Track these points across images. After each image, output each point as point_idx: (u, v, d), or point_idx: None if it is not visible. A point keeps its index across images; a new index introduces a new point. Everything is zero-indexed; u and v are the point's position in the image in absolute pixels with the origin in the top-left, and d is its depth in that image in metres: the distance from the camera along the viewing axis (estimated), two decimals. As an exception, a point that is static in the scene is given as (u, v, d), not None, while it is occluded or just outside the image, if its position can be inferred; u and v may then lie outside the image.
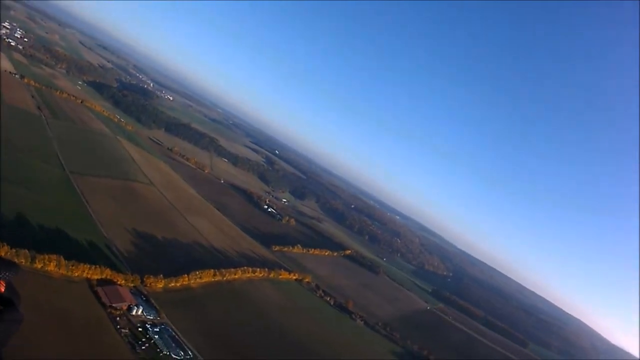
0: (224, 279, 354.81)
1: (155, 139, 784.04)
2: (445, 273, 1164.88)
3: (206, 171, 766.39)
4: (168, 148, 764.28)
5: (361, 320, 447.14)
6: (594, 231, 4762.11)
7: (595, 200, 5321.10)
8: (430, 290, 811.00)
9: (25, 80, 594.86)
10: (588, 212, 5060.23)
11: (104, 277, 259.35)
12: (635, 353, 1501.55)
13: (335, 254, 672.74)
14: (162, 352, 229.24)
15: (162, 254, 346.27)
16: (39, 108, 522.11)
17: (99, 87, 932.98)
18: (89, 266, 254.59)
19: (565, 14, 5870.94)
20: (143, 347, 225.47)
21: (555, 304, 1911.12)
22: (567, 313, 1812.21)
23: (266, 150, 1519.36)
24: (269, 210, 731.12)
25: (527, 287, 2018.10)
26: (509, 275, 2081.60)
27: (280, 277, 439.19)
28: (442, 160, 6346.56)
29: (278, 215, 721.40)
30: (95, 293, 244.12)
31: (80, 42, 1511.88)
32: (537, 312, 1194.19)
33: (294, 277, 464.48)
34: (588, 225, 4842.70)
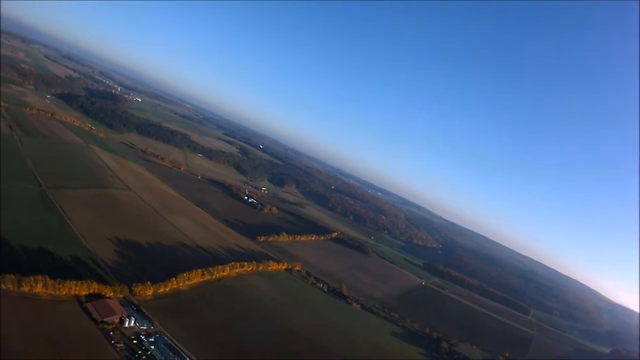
0: (213, 277, 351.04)
1: (128, 143, 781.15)
2: (435, 246, 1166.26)
3: (182, 168, 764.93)
4: (141, 150, 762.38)
5: (357, 304, 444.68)
6: (587, 190, 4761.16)
7: (587, 157, 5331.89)
8: (422, 264, 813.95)
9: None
10: (579, 169, 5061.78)
11: (91, 291, 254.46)
12: (637, 309, 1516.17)
13: (322, 238, 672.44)
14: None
15: (147, 260, 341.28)
16: (10, 127, 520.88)
17: (68, 98, 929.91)
18: (75, 282, 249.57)
19: (565, 13, 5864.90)
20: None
21: (552, 267, 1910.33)
22: (566, 276, 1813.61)
23: (240, 140, 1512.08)
24: (250, 200, 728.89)
25: (521, 252, 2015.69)
26: (500, 243, 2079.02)
27: (270, 268, 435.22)
28: (419, 131, 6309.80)
29: (259, 205, 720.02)
30: (85, 309, 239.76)
31: (46, 56, 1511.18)
32: (534, 278, 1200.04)
33: (284, 267, 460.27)
34: (580, 184, 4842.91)
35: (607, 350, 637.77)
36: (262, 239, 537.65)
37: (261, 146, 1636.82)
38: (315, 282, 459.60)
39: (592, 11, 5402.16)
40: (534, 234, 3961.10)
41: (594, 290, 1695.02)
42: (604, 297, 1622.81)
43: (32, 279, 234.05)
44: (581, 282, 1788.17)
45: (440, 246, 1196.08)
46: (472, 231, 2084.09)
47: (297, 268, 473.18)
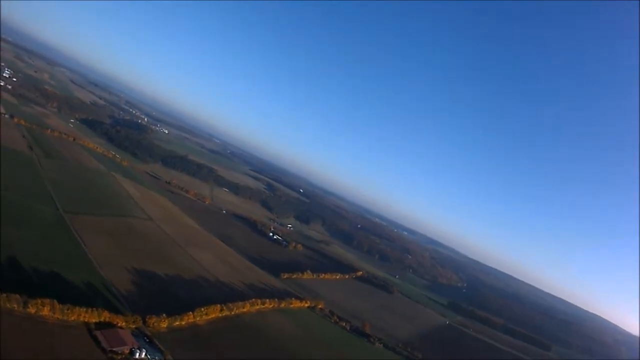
0: (232, 313, 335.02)
1: (152, 173, 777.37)
2: (459, 284, 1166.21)
3: (207, 202, 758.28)
4: (166, 181, 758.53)
5: (380, 343, 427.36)
6: (603, 225, 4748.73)
7: (599, 189, 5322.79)
8: (446, 303, 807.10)
9: (16, 120, 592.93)
10: (593, 204, 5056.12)
11: (102, 319, 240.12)
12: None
13: (346, 276, 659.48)
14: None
15: (164, 292, 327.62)
16: (30, 147, 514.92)
17: (92, 124, 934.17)
18: (85, 309, 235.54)
19: (565, 13, 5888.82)
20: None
21: (572, 302, 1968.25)
22: (585, 310, 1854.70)
23: (267, 176, 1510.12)
24: (275, 237, 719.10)
25: (542, 289, 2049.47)
26: (523, 280, 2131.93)
27: (292, 305, 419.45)
28: (441, 170, 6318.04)
29: (284, 242, 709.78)
30: (94, 337, 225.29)
31: (71, 80, 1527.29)
32: (555, 313, 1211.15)
33: (306, 305, 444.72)
34: (596, 219, 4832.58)
35: None
36: (286, 276, 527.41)
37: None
38: (338, 320, 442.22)
39: (592, 11, 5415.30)
40: (554, 270, 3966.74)
41: (613, 324, 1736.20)
42: (622, 329, 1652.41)
43: (39, 301, 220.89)
44: (600, 315, 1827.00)
45: (465, 284, 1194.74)
46: (495, 269, 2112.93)
47: (320, 306, 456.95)
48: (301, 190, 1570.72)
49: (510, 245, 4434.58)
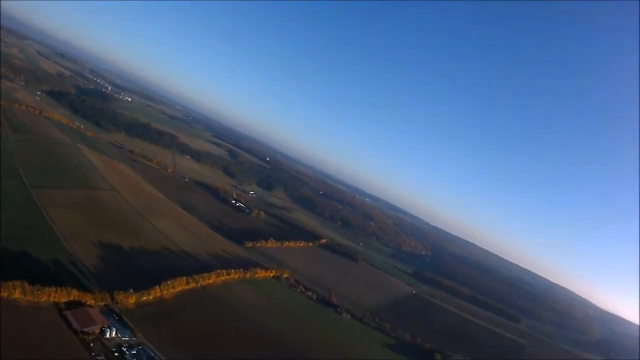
0: (198, 285, 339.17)
1: (116, 143, 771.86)
2: (424, 252, 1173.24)
3: (169, 170, 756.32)
4: (129, 150, 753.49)
5: (347, 314, 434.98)
6: (573, 194, 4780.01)
7: (574, 163, 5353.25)
8: (411, 272, 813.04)
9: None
10: (566, 174, 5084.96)
11: (72, 299, 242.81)
12: (626, 316, 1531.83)
13: (310, 244, 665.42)
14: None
15: (130, 265, 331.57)
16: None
17: (58, 96, 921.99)
18: (54, 289, 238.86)
19: (565, 13, 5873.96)
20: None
21: (540, 274, 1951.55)
22: (554, 283, 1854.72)
23: (228, 143, 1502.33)
24: (237, 204, 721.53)
25: (509, 260, 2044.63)
26: (489, 249, 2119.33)
27: (257, 275, 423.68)
28: (405, 134, 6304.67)
29: (247, 210, 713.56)
30: (65, 318, 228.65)
31: (38, 52, 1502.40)
32: (524, 285, 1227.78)
33: (272, 274, 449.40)
34: (568, 188, 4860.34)
35: (598, 359, 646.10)
36: (250, 244, 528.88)
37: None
38: (304, 290, 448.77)
39: (592, 11, 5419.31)
40: (521, 241, 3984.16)
41: (583, 298, 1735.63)
42: (592, 304, 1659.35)
43: (11, 284, 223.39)
44: (570, 289, 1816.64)
45: (429, 253, 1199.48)
46: (459, 237, 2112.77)
47: (285, 275, 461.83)
48: (268, 159, 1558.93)
49: (478, 216, 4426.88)
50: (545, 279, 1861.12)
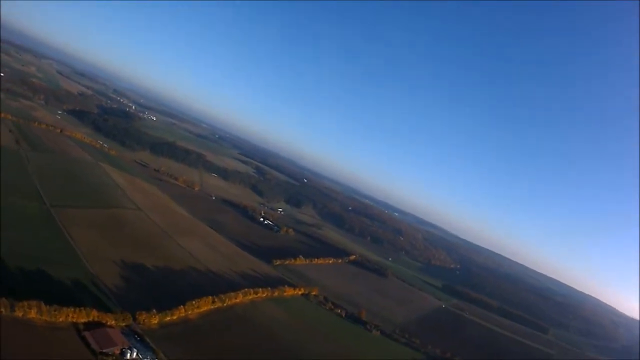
0: (224, 304, 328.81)
1: (140, 161, 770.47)
2: (453, 266, 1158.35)
3: (196, 189, 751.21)
4: (154, 169, 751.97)
5: (377, 330, 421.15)
6: (598, 204, 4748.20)
7: (598, 175, 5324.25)
8: (441, 286, 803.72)
9: (2, 115, 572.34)
10: (591, 187, 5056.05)
11: (91, 319, 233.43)
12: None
13: (339, 260, 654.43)
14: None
15: (154, 285, 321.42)
16: (17, 142, 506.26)
17: (79, 115, 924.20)
18: (72, 309, 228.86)
19: (565, 13, 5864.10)
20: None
21: (567, 283, 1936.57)
22: (580, 291, 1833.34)
23: (256, 160, 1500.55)
24: (266, 222, 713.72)
25: (537, 270, 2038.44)
26: (516, 260, 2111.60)
27: (285, 293, 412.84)
28: (432, 150, 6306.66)
29: (275, 227, 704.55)
30: (84, 339, 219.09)
31: (58, 72, 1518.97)
32: (551, 295, 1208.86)
33: (300, 292, 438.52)
34: (593, 200, 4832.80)
35: None
36: (278, 262, 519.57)
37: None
38: (333, 307, 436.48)
39: (592, 11, 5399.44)
40: (547, 250, 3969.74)
41: (609, 305, 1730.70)
42: (618, 311, 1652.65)
43: (26, 303, 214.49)
44: (596, 297, 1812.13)
45: (459, 266, 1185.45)
46: (487, 249, 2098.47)
47: (314, 293, 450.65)
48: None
49: (502, 226, 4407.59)
50: (571, 288, 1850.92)
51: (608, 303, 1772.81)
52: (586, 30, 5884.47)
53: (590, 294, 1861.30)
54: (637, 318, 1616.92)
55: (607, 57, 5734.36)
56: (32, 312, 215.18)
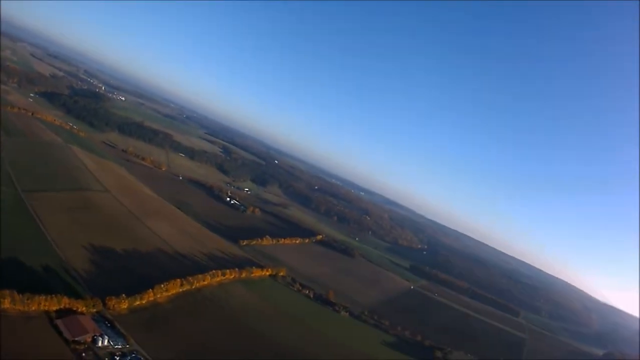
0: (193, 287, 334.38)
1: (109, 142, 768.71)
2: (419, 246, 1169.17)
3: (163, 169, 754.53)
4: (122, 150, 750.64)
5: (345, 312, 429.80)
6: (569, 186, 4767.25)
7: (570, 153, 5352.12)
8: (408, 266, 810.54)
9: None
10: (564, 170, 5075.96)
11: (62, 306, 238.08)
12: (624, 309, 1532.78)
13: (306, 240, 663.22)
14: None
15: (123, 269, 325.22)
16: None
17: (51, 97, 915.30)
18: (44, 297, 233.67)
19: (564, 13, 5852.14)
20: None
21: (537, 266, 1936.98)
22: (551, 275, 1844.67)
23: (222, 140, 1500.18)
24: (232, 202, 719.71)
25: (505, 252, 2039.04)
26: (483, 242, 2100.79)
27: (253, 275, 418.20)
28: (398, 127, 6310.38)
29: (242, 207, 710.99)
30: (56, 327, 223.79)
31: (31, 54, 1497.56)
32: (521, 278, 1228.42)
33: (268, 273, 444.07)
34: (565, 182, 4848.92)
35: (599, 352, 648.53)
36: (245, 242, 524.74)
37: (242, 145, 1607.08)
38: (300, 288, 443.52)
39: (592, 11, 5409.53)
40: (517, 233, 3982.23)
41: (580, 290, 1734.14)
42: (590, 296, 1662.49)
43: (0, 293, 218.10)
44: (568, 281, 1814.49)
45: (426, 246, 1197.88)
46: (455, 230, 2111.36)
47: (281, 274, 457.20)
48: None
49: (472, 206, 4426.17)
50: (542, 271, 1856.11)
51: (580, 288, 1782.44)
52: (586, 31, 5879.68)
53: (561, 277, 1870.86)
54: (610, 304, 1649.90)
55: (606, 58, 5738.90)
56: (6, 301, 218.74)
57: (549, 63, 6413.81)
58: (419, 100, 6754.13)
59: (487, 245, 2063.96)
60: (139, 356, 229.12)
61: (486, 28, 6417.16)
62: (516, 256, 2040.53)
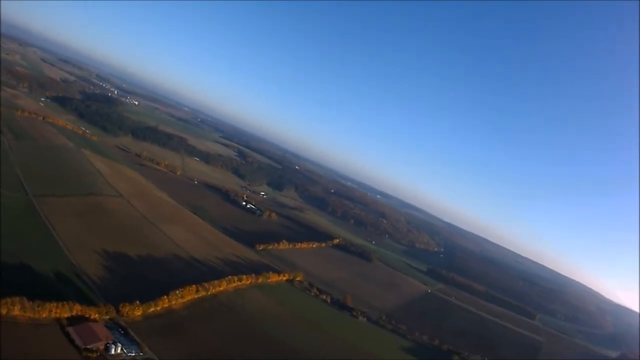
0: (208, 293, 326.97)
1: (122, 147, 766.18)
2: (436, 249, 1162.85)
3: (178, 173, 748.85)
4: (136, 154, 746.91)
5: (363, 317, 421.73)
6: (585, 189, 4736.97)
7: (584, 158, 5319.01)
8: (425, 270, 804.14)
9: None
10: (577, 169, 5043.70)
11: (74, 314, 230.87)
12: (638, 310, 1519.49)
13: (323, 244, 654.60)
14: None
15: (137, 275, 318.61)
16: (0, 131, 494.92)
17: (62, 102, 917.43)
18: (55, 304, 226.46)
19: (565, 13, 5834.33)
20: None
21: (552, 268, 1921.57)
22: (567, 277, 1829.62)
23: (237, 143, 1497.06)
24: (248, 206, 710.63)
25: (522, 254, 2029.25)
26: (501, 244, 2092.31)
27: (270, 280, 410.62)
28: (414, 131, 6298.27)
29: (258, 211, 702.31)
30: (67, 335, 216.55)
31: (42, 59, 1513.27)
32: (537, 280, 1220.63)
33: (284, 278, 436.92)
34: (579, 184, 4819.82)
35: (613, 354, 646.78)
36: (261, 247, 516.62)
37: (258, 149, 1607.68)
38: (318, 293, 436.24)
39: (592, 11, 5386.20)
40: (533, 235, 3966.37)
41: (595, 291, 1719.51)
42: (605, 297, 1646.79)
43: (9, 300, 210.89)
44: (582, 283, 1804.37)
45: (442, 249, 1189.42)
46: (470, 232, 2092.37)
47: (298, 279, 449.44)
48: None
49: (486, 209, 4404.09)
50: (557, 273, 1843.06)
51: (595, 289, 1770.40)
52: (586, 31, 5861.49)
53: (576, 279, 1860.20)
54: (624, 305, 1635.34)
55: (607, 57, 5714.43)
56: (16, 309, 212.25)
57: (549, 63, 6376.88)
58: (421, 101, 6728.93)
59: (502, 247, 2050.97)
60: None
61: (487, 28, 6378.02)
62: (532, 258, 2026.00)
